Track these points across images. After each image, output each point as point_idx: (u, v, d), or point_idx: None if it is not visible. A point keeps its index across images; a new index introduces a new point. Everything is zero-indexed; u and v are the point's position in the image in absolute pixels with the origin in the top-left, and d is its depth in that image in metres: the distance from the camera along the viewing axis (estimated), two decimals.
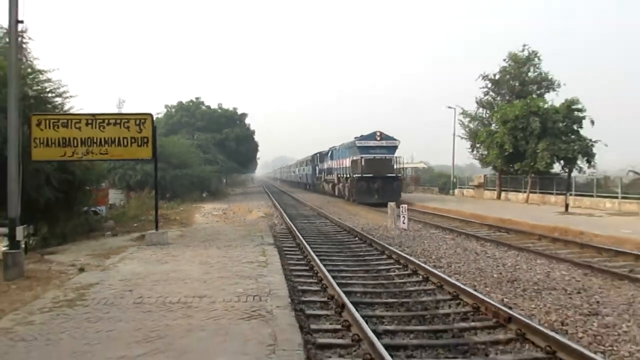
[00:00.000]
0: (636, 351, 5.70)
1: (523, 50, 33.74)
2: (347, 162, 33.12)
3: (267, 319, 6.33)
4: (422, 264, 10.24)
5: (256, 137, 63.28)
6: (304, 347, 5.44)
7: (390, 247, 12.45)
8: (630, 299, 7.97)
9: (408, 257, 11.11)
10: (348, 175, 32.55)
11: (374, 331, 6.03)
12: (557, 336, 5.77)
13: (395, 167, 30.52)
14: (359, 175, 29.50)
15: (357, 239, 15.18)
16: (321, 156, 46.00)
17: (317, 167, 48.69)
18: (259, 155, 74.58)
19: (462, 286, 8.25)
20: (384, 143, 30.61)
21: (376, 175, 29.18)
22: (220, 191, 49.65)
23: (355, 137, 32.08)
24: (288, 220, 20.08)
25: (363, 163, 29.46)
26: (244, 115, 59.88)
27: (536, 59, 33.58)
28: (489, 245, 13.63)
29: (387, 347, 5.56)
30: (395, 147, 31.18)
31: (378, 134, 30.79)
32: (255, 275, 9.10)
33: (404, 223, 17.50)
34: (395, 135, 33.34)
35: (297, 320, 6.43)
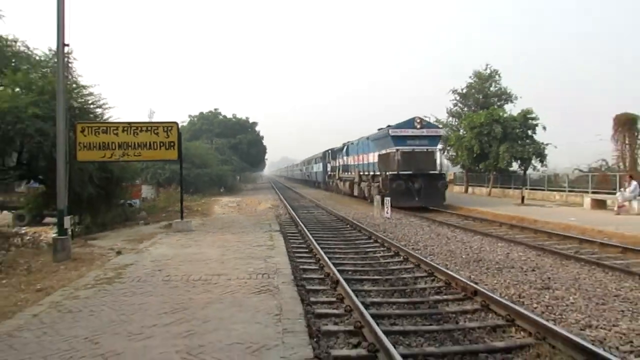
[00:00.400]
0: (581, 319, 5.70)
1: (486, 69, 33.79)
2: (372, 157, 23.97)
3: (274, 293, 6.30)
4: (403, 247, 10.23)
5: (264, 141, 63.21)
6: (304, 316, 5.41)
7: (376, 233, 12.43)
8: (576, 275, 7.97)
9: (391, 241, 11.09)
10: (375, 173, 22.99)
11: (363, 303, 6.00)
12: (516, 306, 5.76)
13: (438, 162, 21.34)
14: (394, 172, 20.21)
15: (348, 226, 15.14)
16: (333, 153, 36.11)
17: (328, 165, 38.62)
18: (266, 156, 74.47)
19: (436, 265, 8.23)
20: (424, 132, 21.14)
21: (416, 172, 20.15)
22: (235, 187, 49.55)
23: (380, 128, 23.56)
24: (292, 211, 20.03)
25: (399, 157, 20.34)
26: (254, 123, 59.84)
27: (497, 76, 33.60)
28: (458, 231, 13.62)
29: (374, 316, 5.55)
30: (439, 137, 22.25)
31: (417, 120, 21.24)
32: (264, 256, 9.06)
33: (387, 213, 17.48)
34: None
35: (299, 294, 6.39)
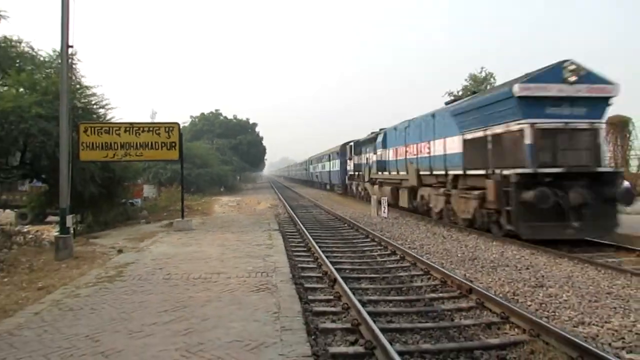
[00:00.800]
0: (574, 316, 5.68)
1: (481, 72, 33.75)
2: (450, 144, 13.53)
3: (272, 291, 6.27)
4: (399, 246, 10.20)
5: (264, 142, 63.34)
6: (302, 314, 5.39)
7: (373, 232, 12.39)
8: (569, 273, 7.94)
9: (388, 240, 11.06)
10: (467, 172, 12.50)
11: (360, 301, 5.97)
12: (510, 304, 5.74)
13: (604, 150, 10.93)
14: (526, 170, 10.05)
15: (346, 225, 15.11)
16: (357, 146, 26.36)
17: (349, 162, 28.61)
18: (266, 156, 74.61)
19: (432, 264, 8.21)
20: (582, 90, 10.13)
21: (570, 169, 10.04)
22: (235, 186, 49.56)
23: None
24: (290, 210, 20.00)
25: (535, 139, 10.09)
26: (254, 124, 60.07)
27: (492, 79, 33.55)
28: (453, 230, 13.54)
29: (371, 314, 5.52)
30: (607, 101, 10.55)
31: (570, 68, 10.05)
32: (263, 255, 9.03)
33: (384, 213, 17.45)
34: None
35: (297, 292, 6.36)
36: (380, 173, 20.96)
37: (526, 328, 5.08)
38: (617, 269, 8.03)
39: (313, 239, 11.18)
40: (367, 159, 23.77)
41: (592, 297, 6.45)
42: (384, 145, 20.46)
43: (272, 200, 28.74)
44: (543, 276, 7.71)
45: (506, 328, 5.33)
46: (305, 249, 10.58)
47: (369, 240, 11.81)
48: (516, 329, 5.23)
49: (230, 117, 57.15)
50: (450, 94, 34.61)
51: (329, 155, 36.66)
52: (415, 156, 16.46)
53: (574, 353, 4.37)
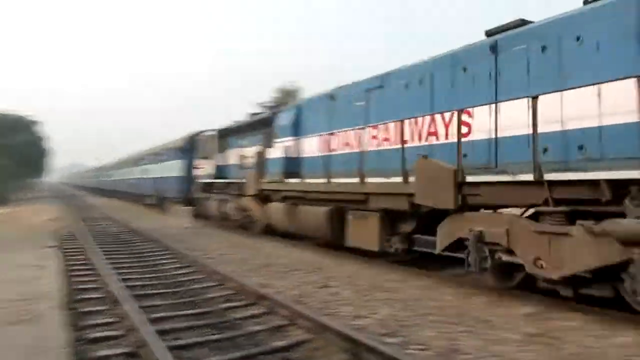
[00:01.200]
0: (352, 311, 6.32)
1: (290, 86, 36.03)
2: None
3: (35, 321, 5.32)
4: (197, 257, 9.92)
5: (50, 143, 54.47)
6: (72, 344, 4.70)
7: (172, 245, 11.78)
8: (351, 273, 8.84)
9: (185, 252, 10.66)
10: None
11: (148, 319, 5.56)
12: (296, 307, 6.09)
13: None
14: None
15: (142, 238, 13.98)
16: (224, 137, 16.74)
17: (202, 163, 17.97)
18: (53, 160, 64.29)
19: (227, 274, 8.20)
20: None
21: None
22: (5, 196, 41.11)
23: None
24: (77, 223, 17.55)
25: None
26: (34, 122, 51.00)
27: (300, 93, 36.01)
28: (257, 239, 13.78)
29: (159, 332, 5.18)
30: None
31: None
32: (30, 278, 7.63)
33: (187, 222, 16.90)
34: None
35: (70, 319, 5.55)
36: (288, 180, 11.93)
37: (310, 327, 5.47)
38: (389, 266, 9.31)
39: (101, 255, 10.00)
40: (242, 157, 15.00)
41: (366, 293, 7.34)
42: (296, 130, 12.17)
43: (54, 211, 24.74)
44: (329, 277, 8.45)
45: (293, 329, 5.64)
46: (89, 267, 9.35)
47: (166, 253, 11.16)
48: (301, 329, 5.59)
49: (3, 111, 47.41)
50: (261, 105, 35.76)
51: (157, 155, 25.18)
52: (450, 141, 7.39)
53: (347, 345, 4.90)
